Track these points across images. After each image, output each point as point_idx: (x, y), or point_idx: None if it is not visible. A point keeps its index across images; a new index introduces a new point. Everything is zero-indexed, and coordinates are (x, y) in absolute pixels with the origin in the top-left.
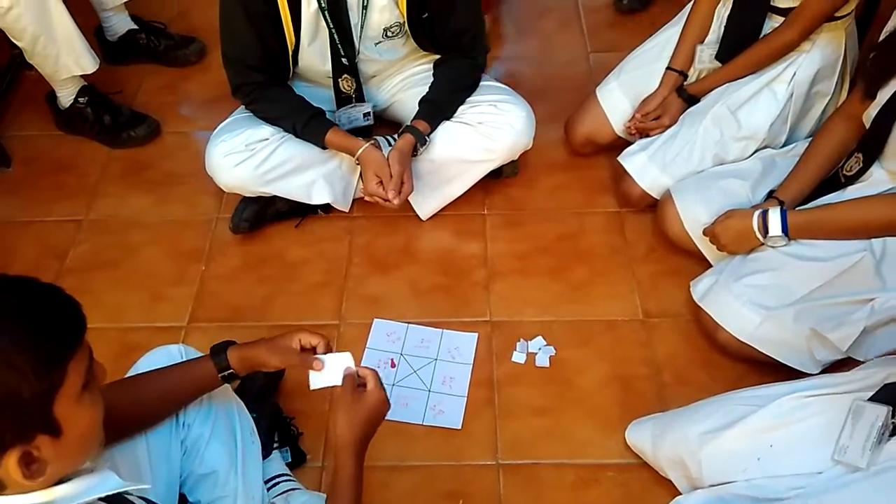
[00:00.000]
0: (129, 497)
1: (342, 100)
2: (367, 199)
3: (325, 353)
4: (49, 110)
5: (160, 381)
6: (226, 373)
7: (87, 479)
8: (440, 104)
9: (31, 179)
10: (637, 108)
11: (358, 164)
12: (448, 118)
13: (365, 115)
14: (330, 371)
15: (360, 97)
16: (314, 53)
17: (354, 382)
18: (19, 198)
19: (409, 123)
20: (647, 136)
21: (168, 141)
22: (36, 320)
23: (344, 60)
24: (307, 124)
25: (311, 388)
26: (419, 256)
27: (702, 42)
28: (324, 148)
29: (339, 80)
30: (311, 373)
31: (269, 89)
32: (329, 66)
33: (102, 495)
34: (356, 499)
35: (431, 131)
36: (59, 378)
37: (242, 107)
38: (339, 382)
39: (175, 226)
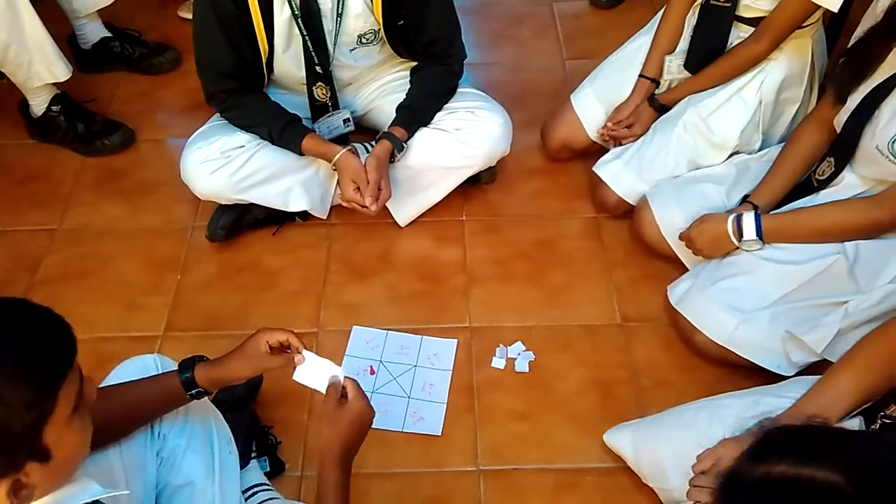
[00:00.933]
0: None
1: (317, 108)
2: (344, 205)
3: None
4: (21, 119)
5: (130, 393)
6: (193, 391)
7: (67, 488)
8: (417, 111)
9: (2, 189)
10: (609, 116)
11: (335, 170)
12: (425, 125)
13: (345, 121)
14: (314, 372)
15: (335, 105)
16: (289, 61)
17: (338, 393)
18: None
19: (386, 130)
20: (620, 143)
21: (143, 149)
22: (26, 349)
23: (318, 69)
24: (283, 130)
25: (294, 378)
26: (398, 263)
27: (671, 52)
28: (300, 154)
29: (314, 87)
30: (298, 366)
31: (243, 96)
32: (304, 74)
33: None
34: None
35: (409, 138)
36: (50, 405)
37: (218, 114)
38: (322, 389)
39: (150, 234)
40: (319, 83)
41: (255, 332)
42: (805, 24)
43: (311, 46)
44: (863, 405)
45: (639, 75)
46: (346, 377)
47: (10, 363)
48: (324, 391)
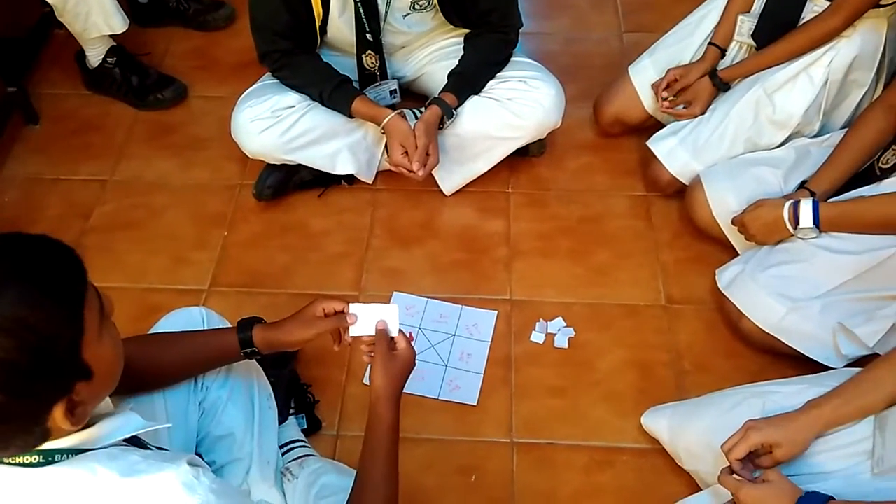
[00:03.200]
0: (148, 444)
1: (365, 77)
2: (392, 168)
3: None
4: (77, 69)
5: (184, 344)
6: (248, 350)
7: (112, 420)
8: (469, 78)
9: (58, 137)
10: (668, 74)
11: (383, 133)
12: (476, 93)
13: (391, 92)
14: (368, 322)
15: (383, 75)
16: (344, 26)
17: (388, 338)
18: (46, 155)
19: (436, 96)
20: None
21: (194, 105)
22: (40, 276)
23: (368, 36)
24: (333, 92)
25: (350, 334)
26: (441, 231)
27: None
28: (350, 116)
29: (363, 56)
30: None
31: (295, 57)
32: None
33: (128, 436)
34: (395, 446)
35: (459, 105)
36: (79, 325)
37: (269, 73)
38: (371, 332)
39: (199, 190)
40: (369, 51)
41: (312, 301)
42: (883, 4)
43: (362, 13)
44: None
45: (708, 42)
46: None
47: (34, 295)
48: (373, 333)
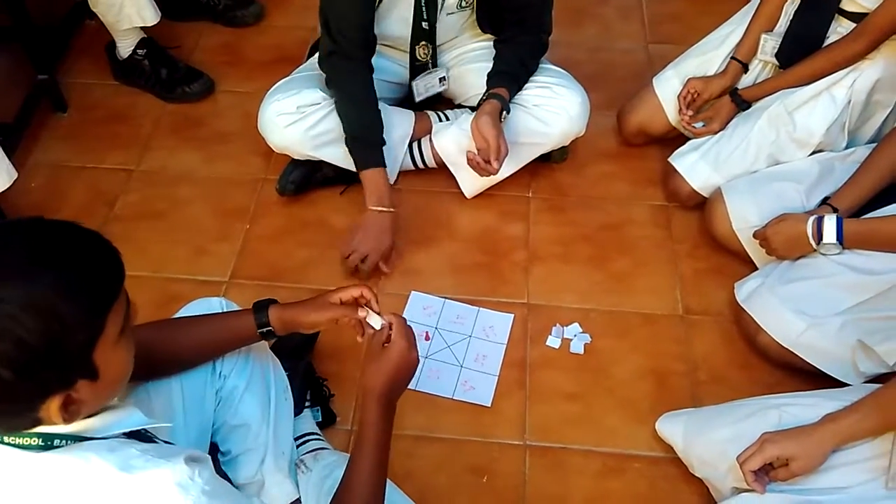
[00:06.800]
0: (154, 437)
1: (416, 67)
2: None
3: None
4: (107, 60)
5: (200, 327)
6: (264, 329)
7: (113, 413)
8: (514, 75)
9: (85, 126)
10: (689, 85)
11: (374, 209)
12: (520, 89)
13: (441, 79)
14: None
15: (434, 63)
16: (398, 19)
17: (383, 335)
18: (73, 143)
19: (487, 92)
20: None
21: (221, 100)
22: (81, 269)
23: (425, 25)
24: (359, 142)
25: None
26: (460, 234)
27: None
28: (357, 173)
29: (417, 46)
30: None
31: (354, 77)
32: (408, 33)
33: (127, 430)
34: (380, 448)
35: (510, 100)
36: (101, 326)
37: (300, 67)
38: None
39: (222, 183)
40: (423, 42)
41: (335, 289)
42: None
43: (423, 2)
44: None
45: (731, 57)
46: (394, 315)
47: (70, 283)
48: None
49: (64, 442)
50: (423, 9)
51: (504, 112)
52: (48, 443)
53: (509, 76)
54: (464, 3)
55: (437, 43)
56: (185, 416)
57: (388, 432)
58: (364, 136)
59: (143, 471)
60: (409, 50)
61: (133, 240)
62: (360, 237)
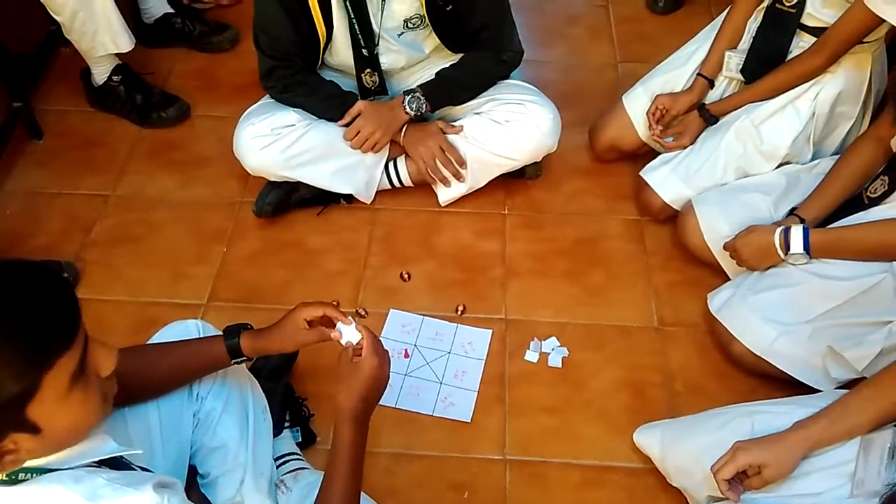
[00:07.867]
0: (130, 463)
1: (365, 94)
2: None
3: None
4: (82, 86)
5: (174, 353)
6: (237, 358)
7: (84, 443)
8: (446, 81)
9: (61, 153)
10: (657, 101)
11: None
12: (454, 102)
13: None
14: (348, 330)
15: (384, 90)
16: (343, 46)
17: (352, 352)
18: (49, 170)
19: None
20: (665, 146)
21: (197, 124)
22: (16, 321)
23: (364, 51)
24: (333, 99)
25: (343, 343)
26: (438, 251)
27: (733, 49)
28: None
29: (362, 74)
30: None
31: (299, 75)
32: (351, 62)
33: (97, 459)
34: (353, 467)
35: (432, 104)
36: (35, 384)
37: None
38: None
39: (199, 207)
40: (367, 69)
41: (295, 307)
42: (867, 41)
43: (357, 28)
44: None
45: (697, 74)
46: (364, 329)
47: (1, 335)
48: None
49: (29, 475)
50: (360, 36)
51: (417, 106)
52: (13, 477)
53: (441, 80)
54: (411, 24)
55: (399, 67)
56: (163, 439)
57: (362, 448)
58: (333, 94)
59: (111, 499)
60: (355, 77)
61: (110, 265)
62: (360, 122)
